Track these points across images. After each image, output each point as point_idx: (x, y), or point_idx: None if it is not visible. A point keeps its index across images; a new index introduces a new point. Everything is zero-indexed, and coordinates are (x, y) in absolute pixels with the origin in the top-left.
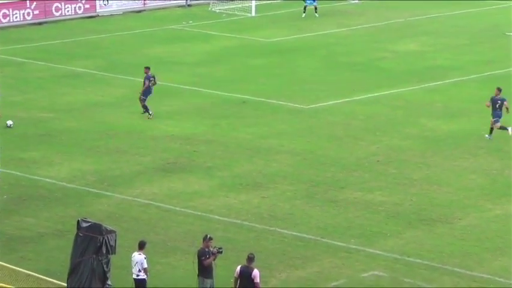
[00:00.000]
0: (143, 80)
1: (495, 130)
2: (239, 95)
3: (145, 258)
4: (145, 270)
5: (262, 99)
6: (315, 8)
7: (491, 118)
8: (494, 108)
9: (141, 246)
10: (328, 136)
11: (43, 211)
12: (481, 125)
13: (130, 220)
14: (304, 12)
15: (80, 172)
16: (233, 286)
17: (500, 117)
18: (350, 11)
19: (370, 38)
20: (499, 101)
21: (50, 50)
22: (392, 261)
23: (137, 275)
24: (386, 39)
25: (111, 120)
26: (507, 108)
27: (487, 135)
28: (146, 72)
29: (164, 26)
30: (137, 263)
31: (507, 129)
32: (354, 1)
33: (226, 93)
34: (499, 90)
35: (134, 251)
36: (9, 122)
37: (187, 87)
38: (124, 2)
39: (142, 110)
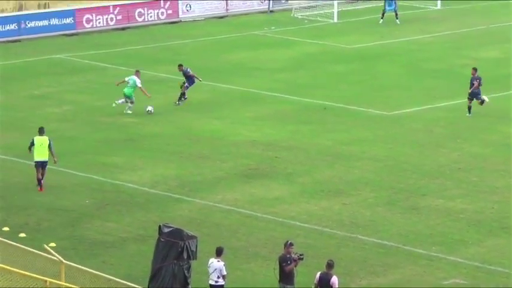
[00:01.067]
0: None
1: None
2: (320, 101)
3: (224, 265)
4: (223, 277)
5: (344, 106)
6: (396, 14)
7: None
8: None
9: (219, 252)
10: (410, 143)
11: (125, 216)
12: None
13: (211, 226)
14: (382, 18)
15: (162, 177)
16: None
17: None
18: (432, 17)
19: (452, 44)
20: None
21: (132, 55)
22: (473, 269)
23: (216, 281)
24: (468, 46)
25: (194, 125)
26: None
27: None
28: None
29: (246, 32)
30: (216, 269)
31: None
32: (435, 7)
33: (307, 99)
34: (475, 70)
35: (211, 257)
36: (150, 108)
37: (269, 93)
38: (206, 7)
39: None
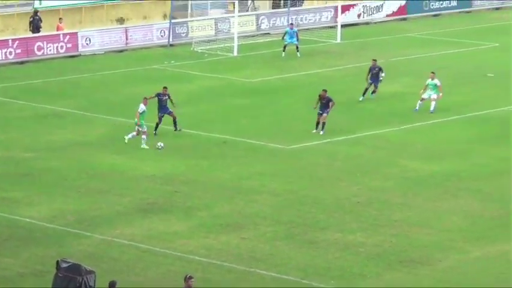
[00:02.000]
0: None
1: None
2: (220, 135)
3: None
4: None
5: (244, 140)
6: (297, 47)
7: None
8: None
9: (111, 286)
10: (309, 177)
11: (23, 251)
12: (462, 166)
13: (110, 261)
14: (283, 51)
15: (60, 212)
16: None
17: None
18: (331, 51)
19: (352, 78)
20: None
21: (32, 89)
22: None
23: None
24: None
25: (92, 160)
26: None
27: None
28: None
29: (146, 66)
30: None
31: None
32: (334, 41)
33: (207, 134)
34: (375, 60)
35: None
36: (160, 144)
37: (168, 127)
38: (106, 41)
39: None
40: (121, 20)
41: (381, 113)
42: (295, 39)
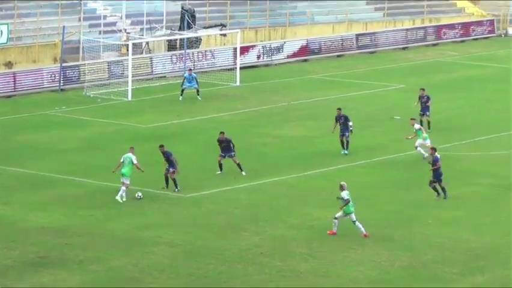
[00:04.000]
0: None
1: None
2: (115, 184)
3: None
4: None
5: (139, 188)
6: (197, 91)
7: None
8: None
9: None
10: (209, 226)
11: None
12: (368, 213)
13: None
14: (181, 95)
15: None
16: None
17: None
18: (230, 94)
19: (252, 122)
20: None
21: None
22: None
23: None
24: (269, 124)
25: None
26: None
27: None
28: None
29: (36, 112)
30: None
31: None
32: (234, 84)
33: (101, 182)
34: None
35: None
36: (139, 194)
37: (60, 176)
38: None
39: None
40: (9, 64)
41: (283, 158)
42: (194, 83)
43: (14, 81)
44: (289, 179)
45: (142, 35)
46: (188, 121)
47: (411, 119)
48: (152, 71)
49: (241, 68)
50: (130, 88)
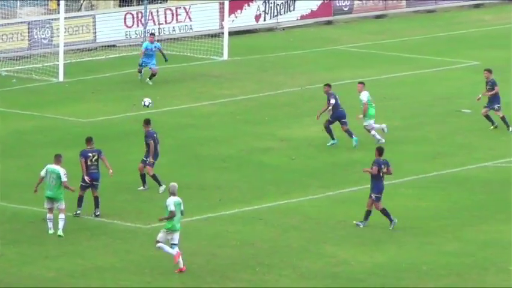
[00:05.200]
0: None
1: None
2: (38, 208)
3: None
4: None
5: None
6: (153, 75)
7: None
8: None
9: None
10: (179, 274)
11: None
12: (421, 255)
13: None
14: (140, 74)
15: None
16: None
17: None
18: (214, 74)
19: (246, 117)
20: None
21: None
22: None
23: None
24: (272, 120)
25: None
26: None
27: None
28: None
29: None
30: None
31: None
32: (220, 58)
33: (16, 206)
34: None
35: None
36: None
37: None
38: None
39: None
40: None
41: (293, 172)
42: (153, 60)
43: None
44: (301, 203)
45: None
46: (150, 114)
47: (360, 82)
48: (95, 38)
49: (230, 34)
50: (61, 63)
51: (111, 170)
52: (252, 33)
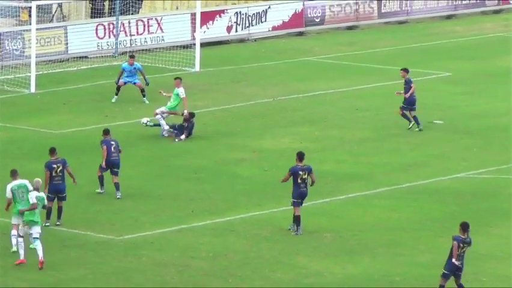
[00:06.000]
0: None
1: None
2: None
3: None
4: None
5: (44, 226)
6: (142, 91)
7: None
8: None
9: None
10: (153, 284)
11: None
12: (393, 266)
13: None
14: (116, 95)
15: None
16: None
17: None
18: (186, 85)
19: (219, 128)
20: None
21: None
22: None
23: None
24: (244, 131)
25: None
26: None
27: None
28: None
29: None
30: None
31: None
32: (191, 69)
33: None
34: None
35: None
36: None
37: None
38: None
39: None
40: None
41: (266, 184)
42: (136, 77)
43: None
44: (274, 215)
45: None
46: (122, 125)
47: (176, 78)
48: (67, 49)
49: (202, 45)
50: (33, 74)
51: (75, 180)
52: (224, 45)
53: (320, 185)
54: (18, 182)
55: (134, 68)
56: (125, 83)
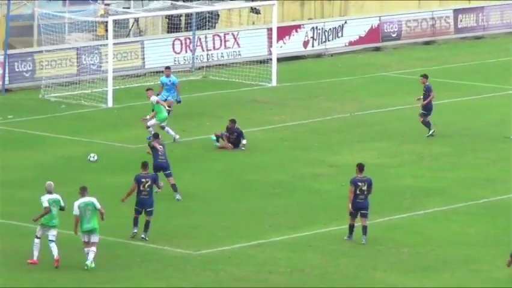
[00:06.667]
0: None
1: None
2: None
3: None
4: None
5: (125, 241)
6: (169, 107)
7: None
8: None
9: None
10: None
11: None
12: (471, 282)
13: None
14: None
15: None
16: None
17: None
18: (263, 100)
19: (296, 143)
20: None
21: None
22: None
23: None
24: (321, 146)
25: None
26: None
27: None
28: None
29: None
30: None
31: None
32: (267, 84)
33: (65, 231)
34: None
35: None
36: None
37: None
38: None
39: None
40: None
41: (343, 198)
42: (173, 92)
43: None
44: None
45: (129, 8)
46: (199, 140)
47: (148, 89)
48: (143, 64)
49: (279, 60)
50: (110, 89)
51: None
52: (301, 59)
53: (398, 200)
54: (86, 199)
55: (170, 81)
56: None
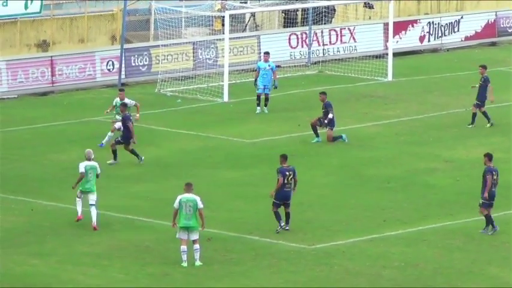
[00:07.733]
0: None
1: None
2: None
3: None
4: None
5: (243, 236)
6: (266, 100)
7: None
8: None
9: None
10: None
11: None
12: None
13: None
14: (258, 106)
15: None
16: None
17: None
18: (378, 94)
19: (411, 138)
20: None
21: None
22: None
23: None
24: (435, 142)
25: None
26: None
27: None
28: None
29: (84, 118)
30: None
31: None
32: (383, 79)
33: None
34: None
35: None
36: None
37: (119, 215)
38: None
39: None
40: (43, 45)
41: (459, 194)
42: (269, 79)
43: (51, 71)
44: (467, 225)
45: (245, 2)
46: (310, 134)
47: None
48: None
49: (394, 55)
50: (226, 83)
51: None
52: (417, 54)
53: None
54: (188, 195)
55: (269, 65)
56: (260, 93)
